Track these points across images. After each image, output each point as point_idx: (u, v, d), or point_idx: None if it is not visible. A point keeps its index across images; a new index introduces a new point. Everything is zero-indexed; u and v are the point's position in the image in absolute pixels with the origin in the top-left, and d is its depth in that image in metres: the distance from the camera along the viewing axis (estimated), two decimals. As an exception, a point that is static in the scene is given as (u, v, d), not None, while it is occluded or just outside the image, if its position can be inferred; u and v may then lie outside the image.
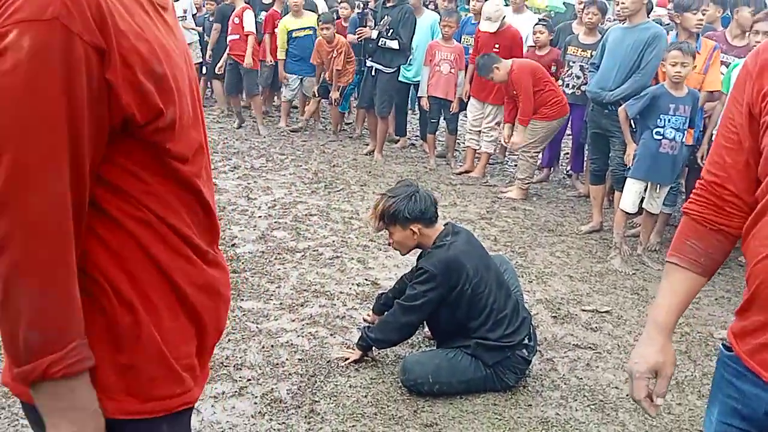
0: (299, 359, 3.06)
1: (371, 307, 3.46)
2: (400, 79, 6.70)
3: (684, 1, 4.66)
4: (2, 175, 0.90)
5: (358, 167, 6.42)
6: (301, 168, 6.22)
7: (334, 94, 7.12)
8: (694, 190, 1.46)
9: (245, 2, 7.42)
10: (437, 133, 6.86)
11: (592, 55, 5.64)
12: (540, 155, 6.19)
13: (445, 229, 3.05)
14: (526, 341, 2.98)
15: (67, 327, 0.97)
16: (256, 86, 7.58)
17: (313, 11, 7.55)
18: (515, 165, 6.25)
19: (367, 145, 7.04)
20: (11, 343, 0.96)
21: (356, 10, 7.08)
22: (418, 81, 6.69)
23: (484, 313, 2.89)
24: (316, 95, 7.46)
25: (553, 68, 6.16)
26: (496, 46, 6.04)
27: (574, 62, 5.80)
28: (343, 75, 7.00)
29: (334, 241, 4.51)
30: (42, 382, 0.96)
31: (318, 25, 6.87)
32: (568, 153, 7.08)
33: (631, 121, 4.58)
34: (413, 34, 6.35)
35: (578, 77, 5.77)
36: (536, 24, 6.36)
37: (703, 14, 4.78)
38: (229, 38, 7.38)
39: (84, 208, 0.98)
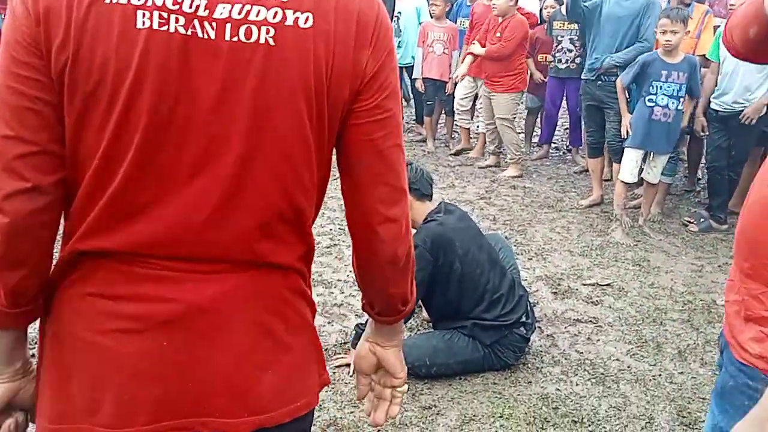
0: (297, 349, 3.05)
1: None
2: None
3: None
4: None
5: (355, 154, 6.38)
6: (298, 158, 6.19)
7: None
8: None
9: None
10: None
11: (578, 26, 5.61)
12: (520, 127, 6.17)
13: (437, 207, 3.03)
14: (523, 319, 2.96)
15: None
16: None
17: None
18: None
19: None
20: None
21: None
22: (409, 64, 6.64)
23: (478, 293, 2.87)
24: None
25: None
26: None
27: (562, 36, 5.73)
28: None
29: (331, 230, 4.49)
30: None
31: None
32: (567, 128, 7.02)
33: (627, 93, 4.53)
34: (393, 14, 6.37)
35: (570, 50, 5.71)
36: None
37: None
38: None
39: None
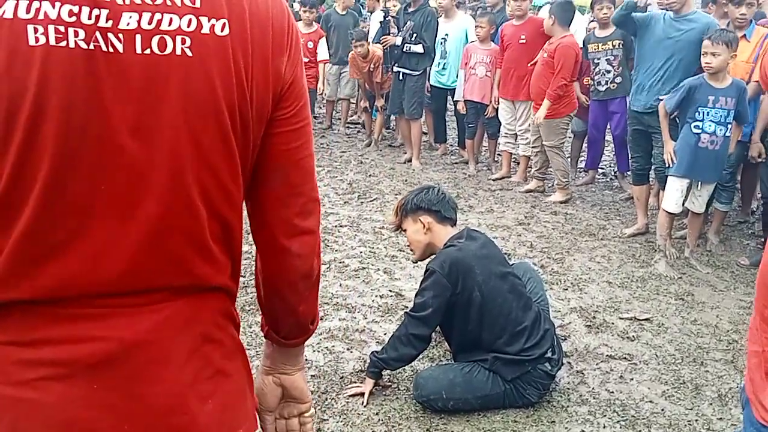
0: (312, 375, 2.97)
1: (392, 319, 3.35)
2: (434, 84, 6.62)
3: None
4: None
5: (394, 176, 6.32)
6: (336, 179, 6.17)
7: (379, 102, 7.10)
8: None
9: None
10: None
11: (614, 45, 5.48)
12: (568, 151, 6.01)
13: (459, 233, 2.92)
14: (548, 354, 2.80)
15: None
16: (313, 103, 7.65)
17: None
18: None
19: (406, 153, 6.95)
20: None
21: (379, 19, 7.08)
22: (453, 86, 6.57)
23: (499, 324, 2.74)
24: (368, 110, 7.48)
25: None
26: (522, 37, 5.88)
27: (599, 58, 5.57)
28: (385, 83, 6.98)
29: (361, 252, 4.42)
30: None
31: (351, 43, 6.86)
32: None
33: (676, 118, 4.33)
34: (436, 36, 6.36)
35: (608, 71, 5.55)
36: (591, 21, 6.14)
37: (749, 7, 4.47)
38: None
39: None
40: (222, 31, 0.87)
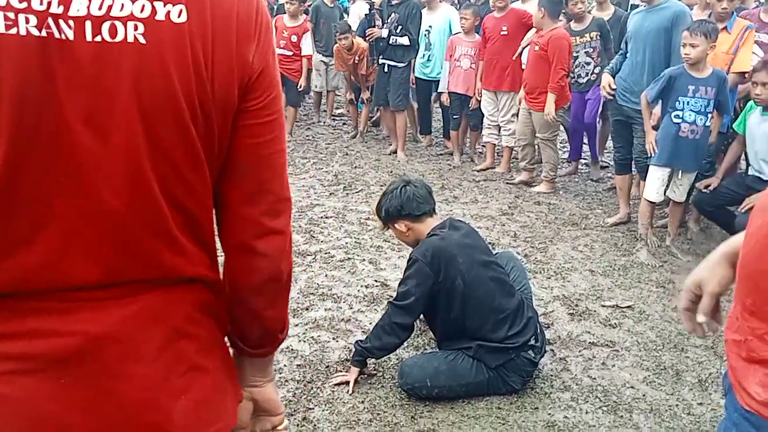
0: (298, 365, 2.99)
1: (378, 309, 3.37)
2: (419, 76, 6.63)
3: None
4: None
5: (380, 168, 6.33)
6: (322, 171, 6.17)
7: (365, 95, 7.10)
8: None
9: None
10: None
11: (592, 38, 5.54)
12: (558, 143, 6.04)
13: (442, 223, 2.95)
14: (532, 342, 2.84)
15: None
16: (298, 97, 7.52)
17: None
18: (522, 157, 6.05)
19: (391, 145, 6.95)
20: None
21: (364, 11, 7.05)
22: (437, 78, 6.57)
23: (482, 312, 2.77)
24: (353, 102, 7.45)
25: None
26: (504, 29, 5.89)
27: (578, 51, 5.63)
28: (370, 75, 6.97)
29: (347, 243, 4.43)
30: None
31: (335, 36, 6.80)
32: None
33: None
34: (420, 28, 6.38)
35: (588, 63, 5.62)
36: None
37: (730, 1, 4.52)
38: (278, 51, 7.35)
39: None
40: (179, 17, 0.84)
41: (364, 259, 4.18)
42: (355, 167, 6.33)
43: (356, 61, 6.85)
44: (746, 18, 4.74)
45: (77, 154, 0.83)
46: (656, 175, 4.23)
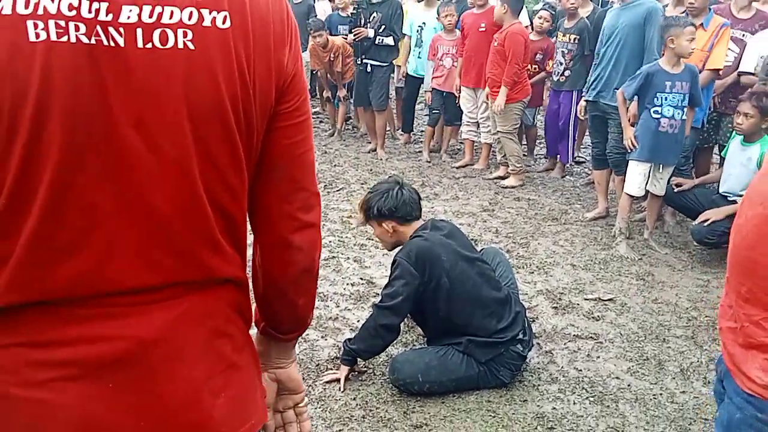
0: (288, 364, 2.99)
1: (365, 306, 3.39)
2: (410, 72, 6.71)
3: None
4: None
5: (359, 166, 6.35)
6: (302, 169, 6.15)
7: (342, 92, 7.08)
8: None
9: None
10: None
11: (570, 39, 5.62)
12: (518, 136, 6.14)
13: (424, 224, 2.97)
14: (520, 336, 2.88)
15: None
16: None
17: None
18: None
19: (370, 143, 6.96)
20: None
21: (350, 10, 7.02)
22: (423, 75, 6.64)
23: (468, 308, 2.80)
24: (330, 100, 7.43)
25: (539, 56, 6.13)
26: (482, 25, 5.95)
27: (558, 48, 5.76)
28: (346, 73, 6.96)
29: (330, 242, 4.44)
30: None
31: (309, 33, 6.79)
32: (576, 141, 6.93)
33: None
34: (401, 27, 6.42)
35: (561, 63, 5.73)
36: (542, 9, 6.24)
37: None
38: None
39: None
40: (223, 23, 0.86)
41: (348, 258, 4.19)
42: (335, 165, 6.33)
43: (332, 59, 6.84)
44: (717, 13, 4.83)
45: (127, 159, 0.84)
46: (637, 170, 4.31)
